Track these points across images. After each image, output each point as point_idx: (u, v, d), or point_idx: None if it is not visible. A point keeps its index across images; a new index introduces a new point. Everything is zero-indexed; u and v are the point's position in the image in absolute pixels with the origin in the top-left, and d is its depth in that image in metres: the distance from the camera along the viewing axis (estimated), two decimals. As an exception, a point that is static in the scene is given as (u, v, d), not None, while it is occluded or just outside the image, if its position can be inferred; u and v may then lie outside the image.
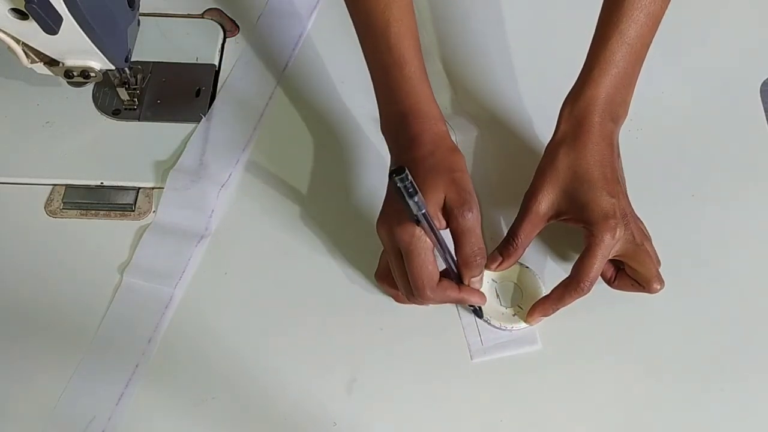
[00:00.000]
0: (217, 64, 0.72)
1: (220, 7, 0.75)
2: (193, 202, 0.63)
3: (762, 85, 0.71)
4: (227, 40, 0.73)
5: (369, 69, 0.59)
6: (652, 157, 0.66)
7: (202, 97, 0.69)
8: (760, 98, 0.70)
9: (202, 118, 0.67)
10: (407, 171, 0.45)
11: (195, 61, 0.71)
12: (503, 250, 0.58)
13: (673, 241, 0.62)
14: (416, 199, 0.47)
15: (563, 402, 0.56)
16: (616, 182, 0.56)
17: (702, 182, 0.66)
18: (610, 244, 0.54)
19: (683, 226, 0.63)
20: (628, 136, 0.64)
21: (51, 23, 0.52)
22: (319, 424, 0.55)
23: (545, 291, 0.59)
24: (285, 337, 0.58)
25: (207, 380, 0.57)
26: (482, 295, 0.57)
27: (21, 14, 0.53)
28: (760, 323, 0.60)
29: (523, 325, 0.58)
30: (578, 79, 0.59)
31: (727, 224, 0.64)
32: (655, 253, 0.58)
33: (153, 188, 0.65)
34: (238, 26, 0.74)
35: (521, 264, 0.60)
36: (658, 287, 0.56)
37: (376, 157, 0.67)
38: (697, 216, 0.64)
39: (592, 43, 0.58)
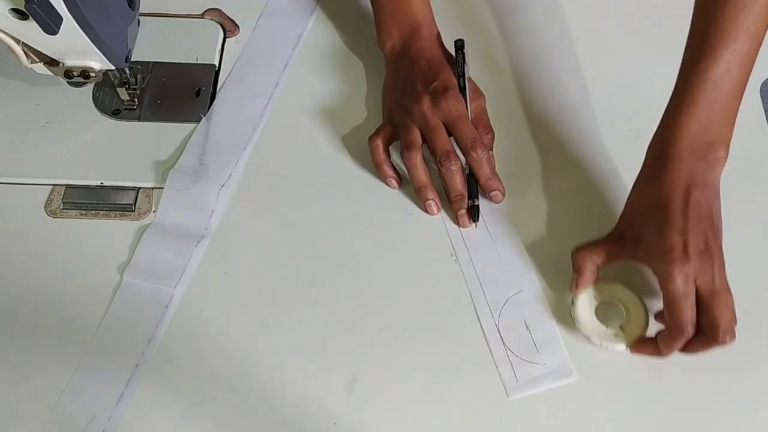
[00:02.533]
0: (217, 64, 0.72)
1: (220, 7, 0.75)
2: (193, 202, 0.63)
3: (762, 85, 0.71)
4: (227, 40, 0.73)
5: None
6: (652, 157, 0.66)
7: (202, 97, 0.69)
8: (760, 98, 0.70)
9: (202, 118, 0.67)
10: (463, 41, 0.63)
11: (195, 61, 0.71)
12: (577, 267, 0.58)
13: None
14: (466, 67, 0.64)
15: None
16: (698, 221, 0.53)
17: (702, 182, 0.65)
18: (682, 281, 0.51)
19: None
20: (628, 136, 0.64)
21: (51, 23, 0.52)
22: (319, 424, 0.55)
23: (650, 315, 0.57)
24: (285, 337, 0.58)
25: (207, 380, 0.57)
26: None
27: (21, 14, 0.53)
28: (761, 323, 0.60)
29: (622, 347, 0.57)
30: (663, 115, 0.57)
31: (728, 224, 0.63)
32: (734, 310, 0.54)
33: (153, 188, 0.65)
34: (238, 26, 0.74)
35: (626, 286, 0.59)
36: (729, 339, 0.52)
37: (376, 157, 0.67)
38: (697, 216, 0.64)
39: (676, 81, 0.57)
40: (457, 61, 0.65)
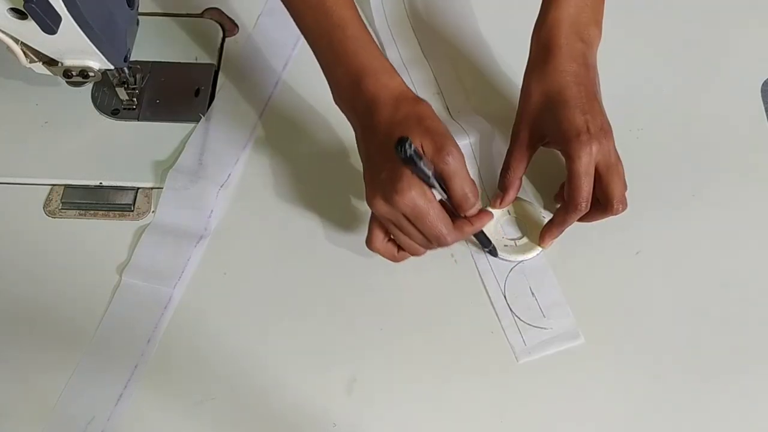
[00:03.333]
0: (216, 63, 0.71)
1: (219, 7, 0.75)
2: (192, 202, 0.63)
3: (762, 85, 0.71)
4: (227, 39, 0.73)
5: (311, 45, 0.58)
6: (652, 157, 0.66)
7: (201, 97, 0.69)
8: (760, 98, 0.70)
9: (201, 117, 0.67)
10: (408, 137, 0.46)
11: (194, 61, 0.71)
12: (501, 184, 0.61)
13: (673, 241, 0.63)
14: (424, 161, 0.48)
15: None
16: (591, 100, 0.56)
17: (702, 182, 0.65)
18: (588, 160, 0.55)
19: (684, 226, 0.63)
20: (628, 136, 0.64)
21: (50, 23, 0.52)
22: (319, 424, 0.55)
23: (546, 217, 0.62)
24: (285, 337, 0.58)
25: (206, 380, 0.57)
26: (489, 213, 0.56)
27: (20, 14, 0.53)
28: (762, 323, 0.60)
29: (535, 252, 0.61)
30: (541, 4, 0.60)
31: (728, 224, 0.64)
32: (625, 179, 0.58)
33: (152, 188, 0.64)
34: (237, 26, 0.74)
35: (519, 198, 0.63)
36: (621, 208, 0.56)
37: (375, 157, 0.67)
38: (697, 216, 0.64)
39: None
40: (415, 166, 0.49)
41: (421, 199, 0.51)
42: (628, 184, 0.59)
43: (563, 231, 0.60)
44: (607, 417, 0.56)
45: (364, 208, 0.64)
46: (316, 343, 0.58)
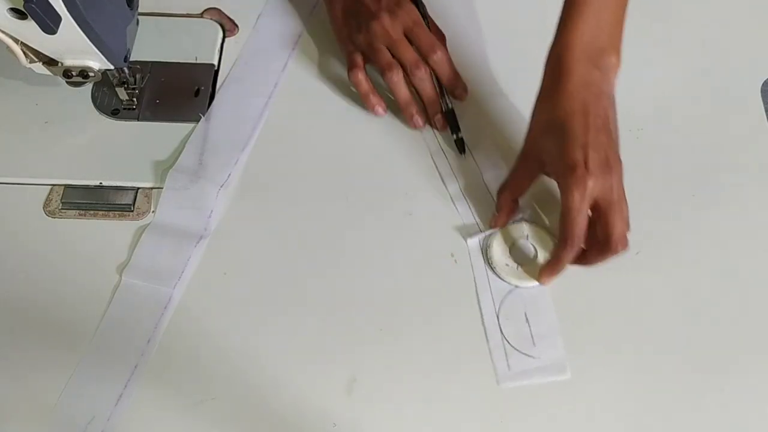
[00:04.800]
0: (216, 63, 0.71)
1: (219, 7, 0.75)
2: (192, 202, 0.63)
3: (762, 85, 0.71)
4: (226, 39, 0.73)
5: None
6: (652, 157, 0.66)
7: (201, 97, 0.69)
8: (760, 98, 0.70)
9: (201, 118, 0.67)
10: None
11: (194, 61, 0.71)
12: (496, 205, 0.62)
13: (673, 241, 0.63)
14: None
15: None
16: (597, 132, 0.54)
17: (703, 182, 0.65)
18: (580, 197, 0.54)
19: (684, 226, 0.63)
20: (628, 136, 0.64)
21: (50, 23, 0.52)
22: (319, 424, 0.55)
23: None
24: (285, 337, 0.58)
25: (206, 380, 0.57)
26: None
27: (20, 14, 0.53)
28: (762, 323, 0.60)
29: (532, 283, 0.60)
30: (556, 27, 0.58)
31: (728, 224, 0.64)
32: (628, 219, 0.57)
33: (152, 188, 0.64)
34: (237, 26, 0.74)
35: (536, 225, 0.62)
36: (621, 248, 0.55)
37: (376, 157, 0.67)
38: (697, 216, 0.64)
39: None
40: (417, 4, 0.68)
41: (417, 14, 0.65)
42: (628, 183, 0.59)
43: (561, 270, 0.58)
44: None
45: (365, 208, 0.64)
46: (315, 343, 0.58)
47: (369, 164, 0.66)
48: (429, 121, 0.67)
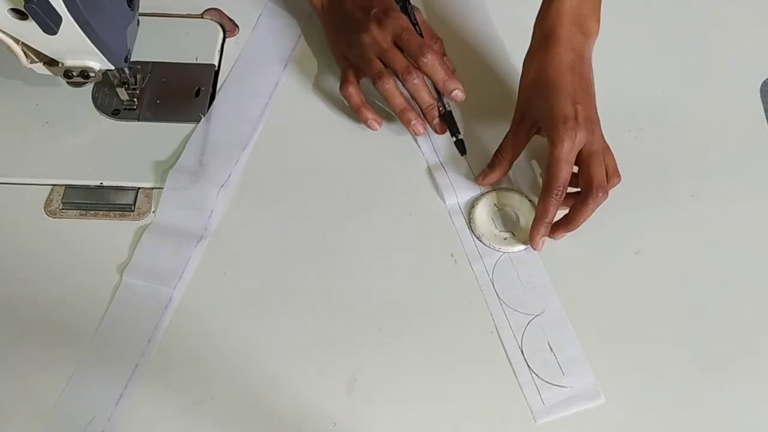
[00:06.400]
0: (216, 64, 0.71)
1: (219, 7, 0.75)
2: (192, 203, 0.63)
3: (762, 85, 0.71)
4: (227, 40, 0.73)
5: None
6: (652, 157, 0.66)
7: (201, 97, 0.69)
8: (760, 98, 0.70)
9: (201, 118, 0.67)
10: None
11: (194, 61, 0.71)
12: (490, 162, 0.64)
13: (673, 240, 0.63)
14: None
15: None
16: (583, 91, 0.59)
17: (702, 182, 0.65)
18: (569, 146, 0.57)
19: (683, 225, 0.63)
20: (628, 136, 0.64)
21: (50, 23, 0.52)
22: (319, 424, 0.55)
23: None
24: (285, 337, 0.58)
25: (206, 380, 0.57)
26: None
27: (20, 14, 0.53)
28: (761, 323, 0.60)
29: (518, 248, 0.61)
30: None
31: (728, 224, 0.64)
32: (616, 170, 0.60)
33: (152, 188, 0.65)
34: (237, 26, 0.74)
35: (522, 193, 0.64)
36: (601, 195, 0.57)
37: (376, 157, 0.67)
38: (697, 216, 0.64)
39: None
40: (407, 11, 0.68)
41: (407, 21, 0.65)
42: (627, 183, 0.59)
43: (549, 225, 0.59)
44: None
45: (365, 208, 0.64)
46: (316, 343, 0.58)
47: (369, 164, 0.66)
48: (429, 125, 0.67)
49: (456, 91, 0.65)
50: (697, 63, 0.72)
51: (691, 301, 0.60)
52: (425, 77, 0.65)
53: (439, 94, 0.66)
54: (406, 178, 0.65)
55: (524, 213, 0.63)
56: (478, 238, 0.62)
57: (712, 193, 0.65)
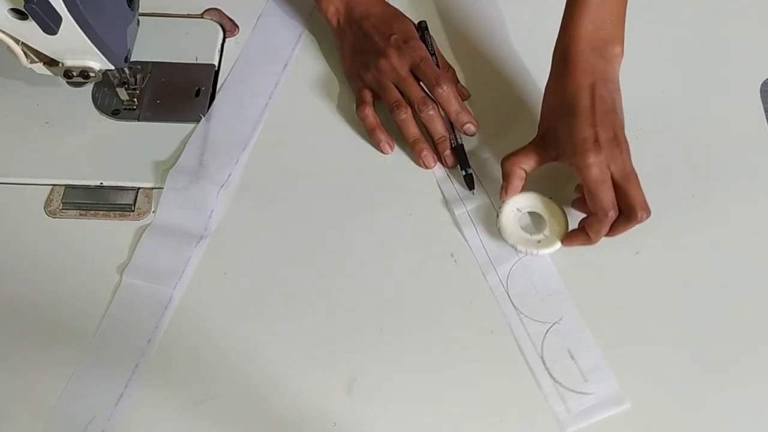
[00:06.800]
0: (216, 64, 0.72)
1: (219, 7, 0.75)
2: (192, 203, 0.63)
3: (762, 85, 0.71)
4: (227, 40, 0.73)
5: None
6: (652, 157, 0.66)
7: (201, 97, 0.69)
8: (760, 98, 0.70)
9: (201, 118, 0.67)
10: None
11: (194, 61, 0.71)
12: (503, 173, 0.62)
13: (673, 240, 0.63)
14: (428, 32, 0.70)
15: None
16: (605, 113, 0.57)
17: (702, 182, 0.65)
18: (598, 168, 0.56)
19: (683, 226, 0.63)
20: (628, 136, 0.64)
21: (50, 23, 0.52)
22: (319, 424, 0.55)
23: (569, 220, 0.61)
24: (284, 337, 0.58)
25: (206, 380, 0.57)
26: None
27: (20, 14, 0.53)
28: (762, 323, 0.59)
29: (547, 250, 0.60)
30: (562, 19, 0.61)
31: (728, 224, 0.64)
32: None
33: (152, 188, 0.65)
34: (237, 26, 0.74)
35: (545, 196, 0.62)
36: (645, 216, 0.56)
37: (376, 157, 0.67)
38: (697, 216, 0.64)
39: None
40: (425, 40, 0.69)
41: (425, 51, 0.66)
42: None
43: (597, 240, 0.59)
44: None
45: (365, 208, 0.64)
46: (316, 342, 0.58)
47: (369, 164, 0.66)
48: (439, 158, 0.66)
49: (468, 125, 0.65)
50: (697, 63, 0.72)
51: (690, 301, 0.60)
52: (439, 108, 0.65)
53: (452, 127, 0.65)
54: (407, 178, 0.65)
55: (547, 211, 0.62)
56: (513, 247, 0.61)
57: (712, 194, 0.65)
